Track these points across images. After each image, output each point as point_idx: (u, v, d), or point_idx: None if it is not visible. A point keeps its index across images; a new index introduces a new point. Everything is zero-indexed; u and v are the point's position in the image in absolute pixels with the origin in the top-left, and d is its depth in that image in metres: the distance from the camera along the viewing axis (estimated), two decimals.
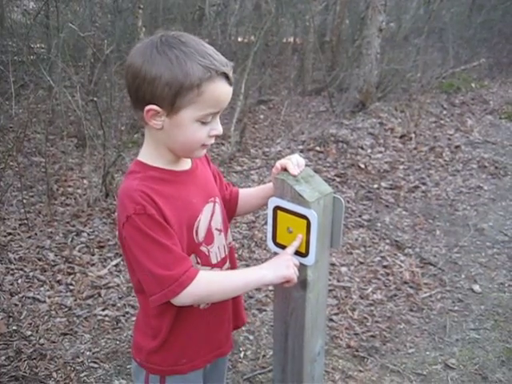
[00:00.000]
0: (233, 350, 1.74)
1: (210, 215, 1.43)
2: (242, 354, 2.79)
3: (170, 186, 1.34)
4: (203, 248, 1.40)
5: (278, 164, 1.46)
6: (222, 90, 1.27)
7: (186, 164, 1.42)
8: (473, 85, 9.11)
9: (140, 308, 1.50)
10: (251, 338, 2.92)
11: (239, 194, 1.63)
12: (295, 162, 1.44)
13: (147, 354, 1.45)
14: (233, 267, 1.53)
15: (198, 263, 1.39)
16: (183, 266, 1.27)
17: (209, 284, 1.31)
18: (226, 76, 1.27)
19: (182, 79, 1.22)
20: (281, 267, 1.37)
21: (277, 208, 1.44)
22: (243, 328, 2.98)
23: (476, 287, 3.46)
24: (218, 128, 1.32)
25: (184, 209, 1.34)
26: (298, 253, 1.43)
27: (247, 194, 1.64)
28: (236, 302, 1.56)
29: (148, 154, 1.36)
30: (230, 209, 1.61)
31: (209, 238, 1.42)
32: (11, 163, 4.58)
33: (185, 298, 1.28)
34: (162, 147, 1.34)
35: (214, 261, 1.43)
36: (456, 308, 3.25)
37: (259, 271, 1.38)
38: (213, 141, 1.34)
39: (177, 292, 1.26)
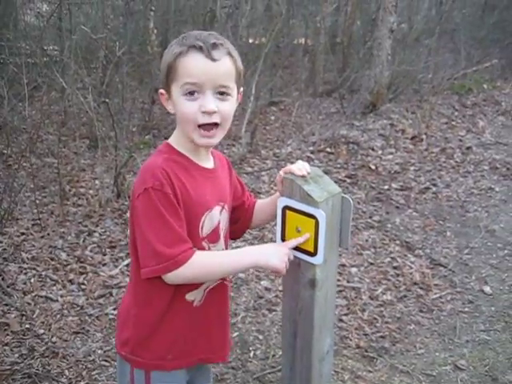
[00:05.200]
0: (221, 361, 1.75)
1: (218, 216, 1.47)
2: (251, 354, 2.80)
3: (190, 176, 1.39)
4: (204, 243, 1.44)
5: (283, 171, 1.49)
6: (193, 62, 1.32)
7: (208, 162, 1.48)
8: (485, 86, 9.04)
9: (128, 299, 1.52)
10: (261, 337, 2.94)
11: (256, 204, 1.66)
12: (300, 167, 1.47)
13: (134, 346, 1.46)
14: None
15: None
16: (182, 247, 1.33)
17: (200, 268, 1.36)
18: (200, 48, 1.31)
19: (166, 60, 1.37)
20: (274, 259, 1.40)
21: (286, 208, 1.45)
22: (253, 328, 3.00)
23: (487, 289, 3.45)
24: (205, 104, 1.34)
25: (196, 201, 1.39)
26: (306, 252, 1.44)
27: (262, 203, 1.66)
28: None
29: (176, 139, 1.44)
30: (246, 218, 1.63)
31: (213, 237, 1.46)
32: (24, 164, 4.61)
33: (175, 276, 1.34)
34: (182, 133, 1.41)
35: None
36: (466, 309, 3.24)
37: (253, 256, 1.42)
38: (207, 120, 1.34)
39: (169, 269, 1.32)
